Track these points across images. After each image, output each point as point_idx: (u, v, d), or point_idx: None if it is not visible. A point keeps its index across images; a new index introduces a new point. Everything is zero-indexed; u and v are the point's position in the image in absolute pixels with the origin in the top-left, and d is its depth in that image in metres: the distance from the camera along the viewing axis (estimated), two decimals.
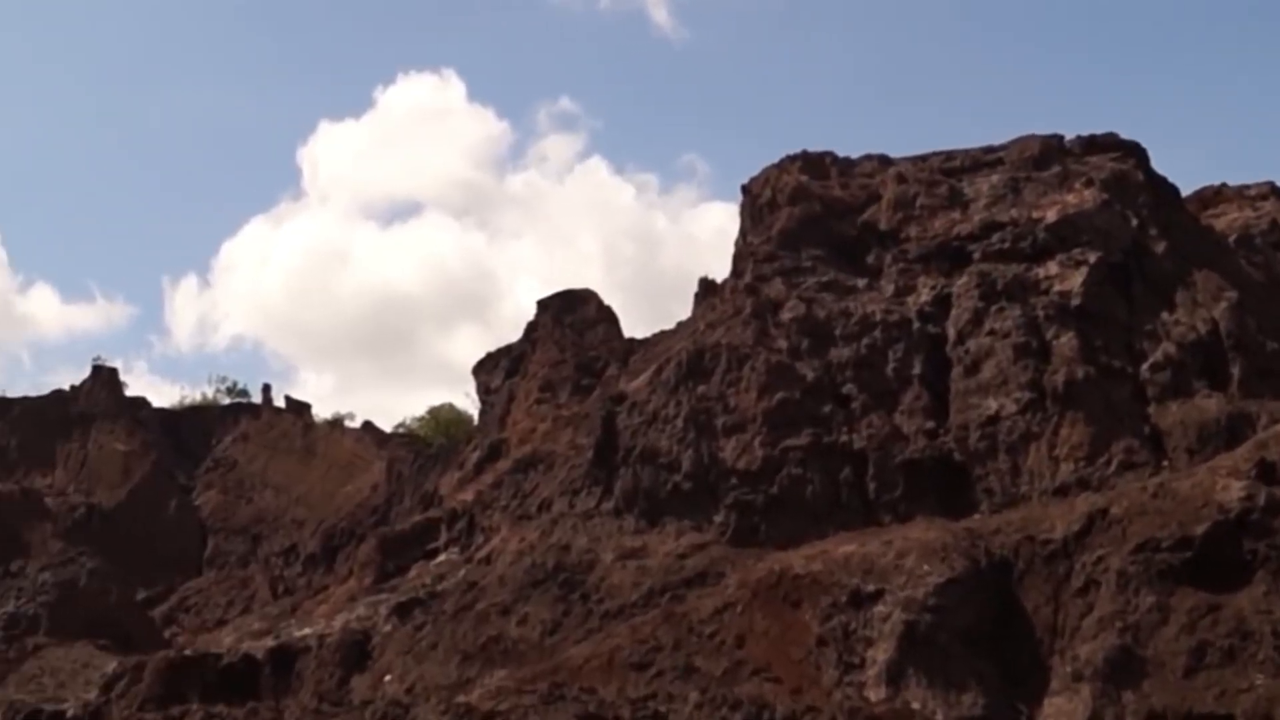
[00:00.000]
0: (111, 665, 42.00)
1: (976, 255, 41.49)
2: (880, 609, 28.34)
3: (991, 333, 38.70)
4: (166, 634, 59.91)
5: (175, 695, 34.14)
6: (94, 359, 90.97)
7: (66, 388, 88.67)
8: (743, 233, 49.03)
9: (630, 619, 32.51)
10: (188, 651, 42.48)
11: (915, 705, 26.03)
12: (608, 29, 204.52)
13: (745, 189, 49.80)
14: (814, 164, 48.70)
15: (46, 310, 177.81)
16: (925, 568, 28.82)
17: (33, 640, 51.63)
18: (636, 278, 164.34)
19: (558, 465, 46.19)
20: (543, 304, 60.75)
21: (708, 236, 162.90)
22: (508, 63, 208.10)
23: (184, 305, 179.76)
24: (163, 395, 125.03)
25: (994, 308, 39.30)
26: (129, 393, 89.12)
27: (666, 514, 38.49)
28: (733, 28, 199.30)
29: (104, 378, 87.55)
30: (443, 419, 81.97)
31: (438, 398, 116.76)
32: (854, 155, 49.68)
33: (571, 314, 59.25)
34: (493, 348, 64.18)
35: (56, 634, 52.03)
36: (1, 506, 68.34)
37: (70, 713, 36.92)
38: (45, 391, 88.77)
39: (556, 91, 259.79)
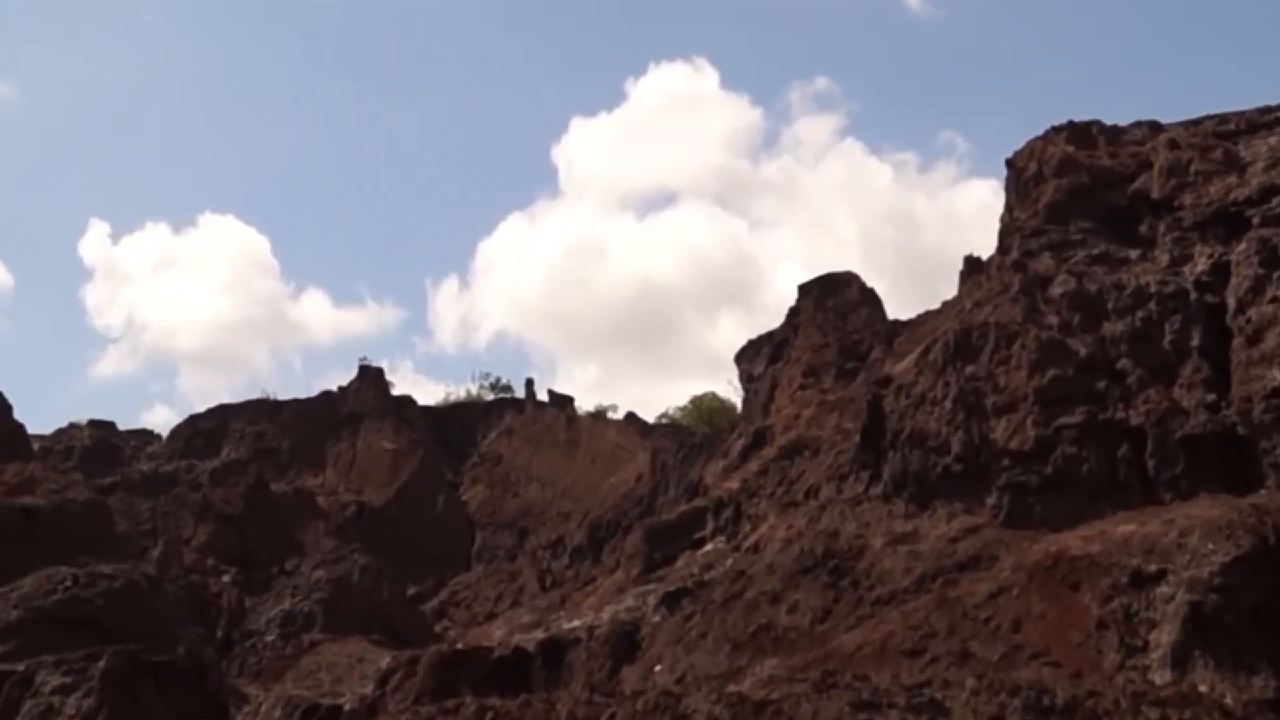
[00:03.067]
0: (385, 660, 43.41)
1: (1255, 220, 40.16)
2: (1163, 590, 27.75)
3: (1274, 300, 37.43)
4: (437, 628, 61.70)
5: (448, 688, 35.21)
6: (360, 360, 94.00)
7: (334, 389, 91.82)
8: (1008, 208, 48.37)
9: (902, 605, 32.43)
10: (460, 645, 43.73)
11: (1203, 689, 25.46)
12: (859, 9, 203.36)
13: (1009, 163, 49.11)
14: (1080, 134, 47.73)
15: (318, 315, 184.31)
16: (1209, 546, 28.11)
17: (308, 637, 53.73)
18: (897, 259, 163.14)
19: (824, 451, 46.28)
20: (804, 288, 60.81)
21: (970, 214, 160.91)
22: (760, 48, 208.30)
23: (446, 306, 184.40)
24: (428, 394, 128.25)
25: (1276, 274, 38.04)
26: (395, 392, 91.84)
27: (937, 497, 38.25)
28: (983, 2, 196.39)
29: (371, 378, 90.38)
30: (705, 408, 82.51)
31: (700, 387, 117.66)
32: (1122, 123, 48.62)
33: (833, 297, 59.19)
34: (754, 335, 64.60)
35: (331, 630, 54.02)
36: (275, 507, 71.20)
37: (347, 707, 38.10)
38: (315, 394, 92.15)
39: (811, 72, 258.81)
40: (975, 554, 34.14)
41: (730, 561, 42.00)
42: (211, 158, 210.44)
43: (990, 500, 36.85)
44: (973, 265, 49.94)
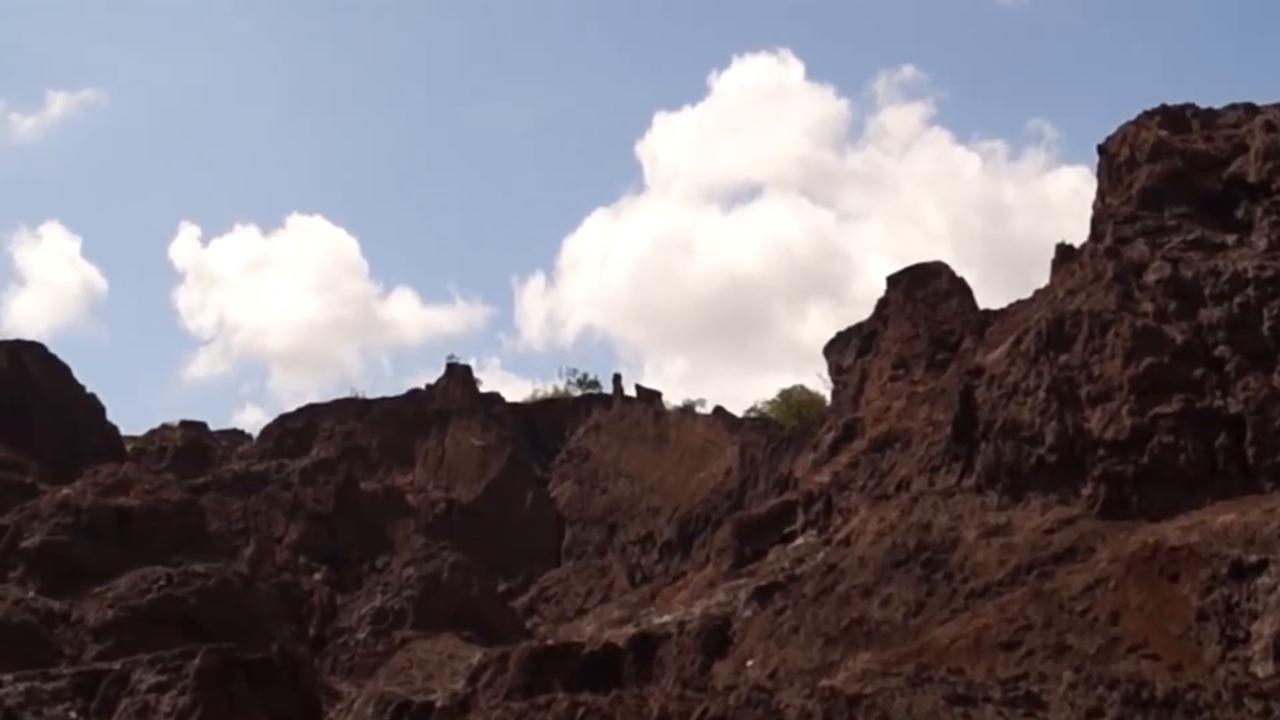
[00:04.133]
0: (476, 656, 43.66)
1: None
2: (1265, 580, 27.39)
3: None
4: (528, 624, 61.98)
5: (540, 684, 35.36)
6: (448, 358, 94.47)
7: (422, 387, 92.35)
8: (1100, 194, 47.88)
9: (997, 597, 32.21)
10: (550, 641, 43.89)
11: None
12: None
13: (1101, 149, 48.60)
14: (1174, 118, 47.16)
15: (408, 314, 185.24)
16: None
17: (400, 634, 54.13)
18: (987, 248, 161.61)
19: (915, 443, 46.03)
20: (892, 279, 60.51)
21: (1060, 201, 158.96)
22: (845, 38, 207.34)
23: (532, 303, 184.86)
24: (515, 390, 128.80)
25: None
26: (482, 389, 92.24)
27: (1031, 489, 37.92)
28: None
29: (458, 375, 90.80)
30: (794, 401, 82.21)
31: (788, 380, 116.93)
32: (1216, 106, 47.97)
33: (923, 288, 58.84)
34: (842, 327, 64.36)
35: (422, 627, 54.39)
36: (365, 505, 71.73)
37: (439, 703, 38.29)
38: (403, 392, 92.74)
39: (898, 61, 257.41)
40: (1071, 545, 33.85)
41: (821, 555, 41.87)
42: (299, 159, 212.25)
43: (1085, 491, 36.49)
44: (1065, 253, 49.46)
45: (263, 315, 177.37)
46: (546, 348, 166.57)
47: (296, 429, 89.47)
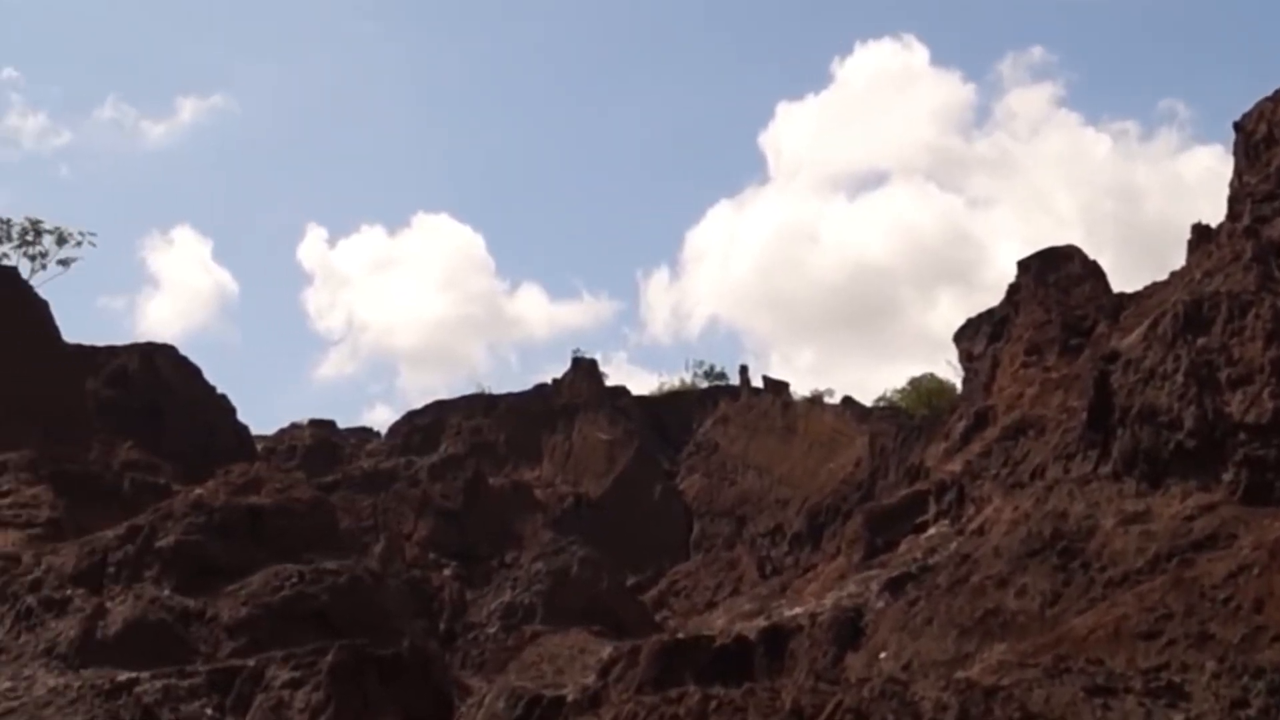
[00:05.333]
0: (607, 650, 43.72)
1: None
2: None
3: None
4: (658, 618, 62.04)
5: (670, 678, 35.32)
6: (573, 352, 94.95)
7: (548, 382, 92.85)
8: (1237, 173, 46.94)
9: (1136, 586, 31.68)
10: (680, 635, 43.87)
11: None
12: None
13: (1238, 126, 47.64)
14: None
15: (535, 310, 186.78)
16: None
17: (529, 628, 54.41)
18: (1119, 231, 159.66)
19: (1049, 430, 45.44)
20: (1023, 264, 59.75)
21: (1195, 182, 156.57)
22: (971, 21, 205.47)
23: (657, 296, 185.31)
24: (642, 384, 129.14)
25: None
26: (608, 383, 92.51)
27: (1170, 475, 37.24)
28: None
29: (584, 369, 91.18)
30: (924, 389, 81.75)
31: (918, 368, 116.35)
32: None
33: (1054, 272, 58.04)
34: (973, 313, 63.71)
35: (551, 622, 54.63)
36: (493, 500, 72.28)
37: (570, 698, 38.40)
38: (529, 388, 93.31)
39: (1025, 43, 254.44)
40: (1212, 532, 33.21)
41: (954, 545, 41.50)
42: (424, 159, 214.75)
43: (1226, 477, 35.78)
44: (1201, 234, 48.53)
45: (390, 314, 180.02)
46: (673, 340, 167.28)
47: (424, 426, 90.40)
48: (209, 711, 34.00)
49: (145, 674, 35.18)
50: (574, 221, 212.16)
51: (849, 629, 38.08)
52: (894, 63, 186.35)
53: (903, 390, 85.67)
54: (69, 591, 40.44)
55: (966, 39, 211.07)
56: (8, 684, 35.95)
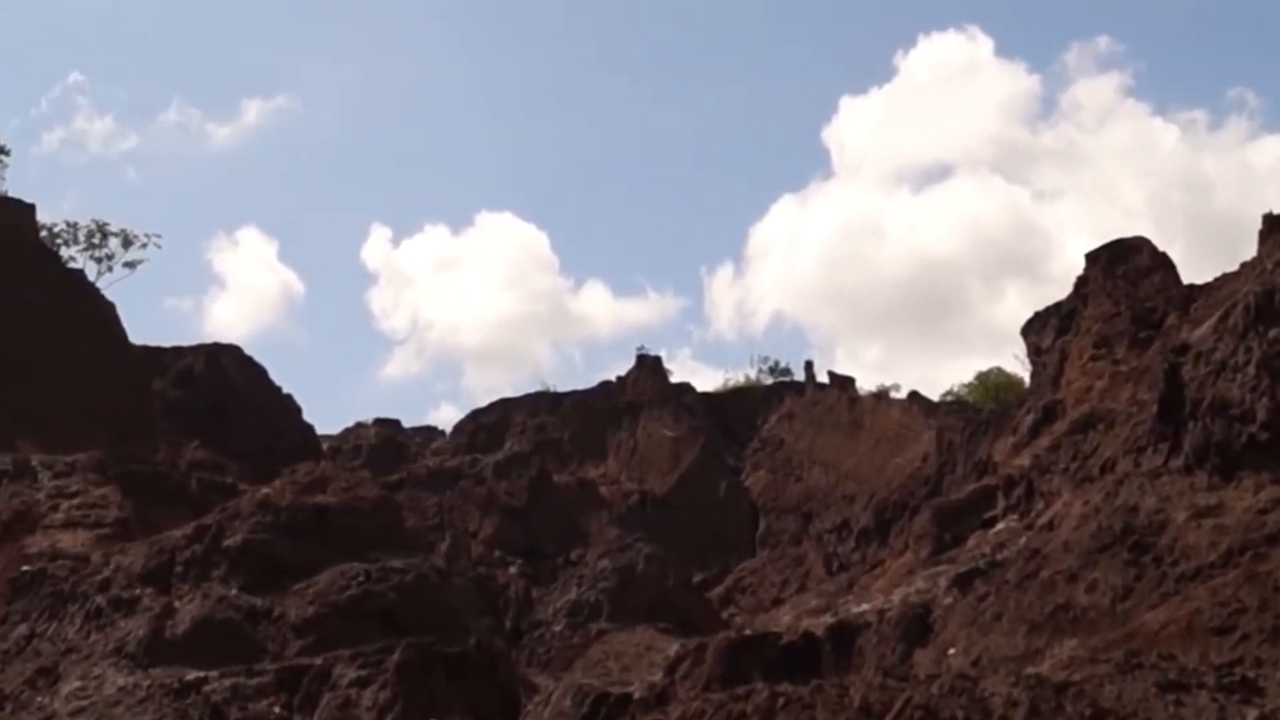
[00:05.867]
0: (673, 647, 43.72)
1: None
2: None
3: None
4: (724, 615, 62.00)
5: (738, 675, 35.25)
6: (637, 349, 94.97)
7: (613, 379, 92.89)
8: None
9: (1208, 581, 31.35)
10: (747, 632, 43.80)
11: None
12: None
13: None
14: None
15: (599, 307, 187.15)
16: None
17: (595, 626, 54.47)
18: (1188, 221, 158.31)
19: (1119, 423, 45.06)
20: (1091, 256, 59.29)
21: (1266, 171, 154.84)
22: (1035, 11, 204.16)
23: (721, 292, 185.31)
24: (706, 380, 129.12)
25: None
26: (673, 380, 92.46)
27: (1242, 468, 36.81)
28: None
29: (649, 366, 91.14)
30: (992, 383, 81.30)
31: (985, 362, 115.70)
32: None
33: (1123, 264, 57.55)
34: (1040, 306, 63.29)
35: (618, 619, 54.66)
36: (558, 498, 72.43)
37: (637, 695, 38.38)
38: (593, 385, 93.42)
39: (1091, 32, 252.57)
40: None
41: (1023, 540, 41.21)
42: (486, 158, 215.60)
43: None
44: (1272, 224, 47.96)
45: (455, 313, 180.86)
46: (737, 337, 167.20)
47: (489, 424, 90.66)
48: (277, 710, 34.20)
49: (213, 673, 35.42)
50: (638, 218, 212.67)
51: (917, 625, 37.90)
52: (958, 55, 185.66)
53: (970, 384, 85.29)
54: (138, 591, 40.77)
55: (1031, 30, 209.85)
56: (78, 683, 36.30)
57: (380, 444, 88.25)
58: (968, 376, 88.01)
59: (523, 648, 54.37)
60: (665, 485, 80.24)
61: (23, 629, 40.29)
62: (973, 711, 22.75)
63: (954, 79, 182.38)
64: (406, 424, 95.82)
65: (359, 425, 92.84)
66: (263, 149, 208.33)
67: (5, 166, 78.97)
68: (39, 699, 36.18)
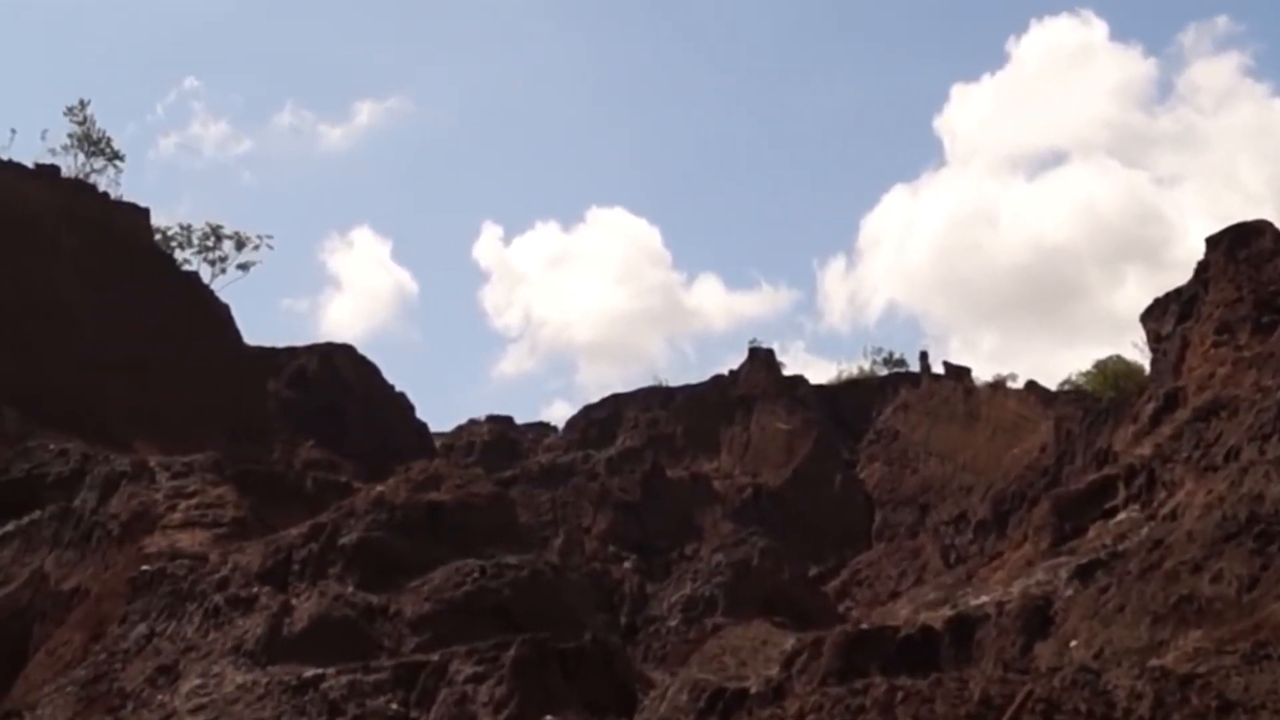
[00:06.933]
0: (789, 642, 43.58)
1: None
2: None
3: None
4: (840, 608, 61.78)
5: (855, 669, 35.06)
6: (750, 342, 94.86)
7: (725, 373, 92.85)
8: None
9: None
10: (865, 625, 43.60)
11: None
12: None
13: None
14: None
15: (712, 301, 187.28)
16: None
17: (710, 621, 54.49)
18: None
19: (1243, 410, 44.35)
20: (1212, 241, 58.33)
21: None
22: None
23: (833, 284, 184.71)
24: (819, 372, 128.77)
25: None
26: (786, 373, 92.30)
27: None
28: None
29: (761, 359, 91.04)
30: (1110, 372, 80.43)
31: (1103, 350, 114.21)
32: None
33: (1245, 248, 56.57)
34: (1160, 293, 62.43)
35: (733, 614, 54.64)
36: (672, 492, 72.50)
37: (753, 690, 38.31)
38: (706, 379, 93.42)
39: (1209, 12, 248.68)
40: None
41: (1145, 530, 40.67)
42: (596, 154, 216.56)
43: None
44: None
45: (567, 310, 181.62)
46: (850, 328, 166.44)
47: (601, 419, 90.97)
48: (394, 706, 34.48)
49: (330, 670, 35.79)
50: (750, 211, 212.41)
51: (1037, 618, 37.50)
52: (1071, 39, 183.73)
53: (1088, 373, 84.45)
54: (255, 589, 41.28)
55: (1146, 12, 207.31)
56: (197, 681, 36.85)
57: (493, 441, 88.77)
58: (1086, 365, 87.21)
59: (638, 643, 54.50)
60: (779, 479, 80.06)
61: (142, 628, 40.96)
62: (1096, 704, 22.50)
63: (1068, 64, 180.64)
64: (519, 421, 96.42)
65: (471, 422, 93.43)
66: (375, 150, 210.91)
67: (120, 171, 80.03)
68: (159, 697, 36.76)
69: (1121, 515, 45.40)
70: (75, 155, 77.30)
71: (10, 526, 47.02)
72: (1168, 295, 60.90)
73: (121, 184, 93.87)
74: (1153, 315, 61.52)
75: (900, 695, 24.27)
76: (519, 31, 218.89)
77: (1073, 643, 34.55)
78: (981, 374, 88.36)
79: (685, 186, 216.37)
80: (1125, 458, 50.05)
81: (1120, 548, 40.12)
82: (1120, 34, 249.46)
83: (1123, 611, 34.40)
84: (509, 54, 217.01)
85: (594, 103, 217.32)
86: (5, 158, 71.64)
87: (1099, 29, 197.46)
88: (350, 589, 41.10)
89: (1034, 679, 24.50)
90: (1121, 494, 47.02)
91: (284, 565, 42.39)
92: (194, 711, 35.40)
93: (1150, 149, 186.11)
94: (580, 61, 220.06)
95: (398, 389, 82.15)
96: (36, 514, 47.08)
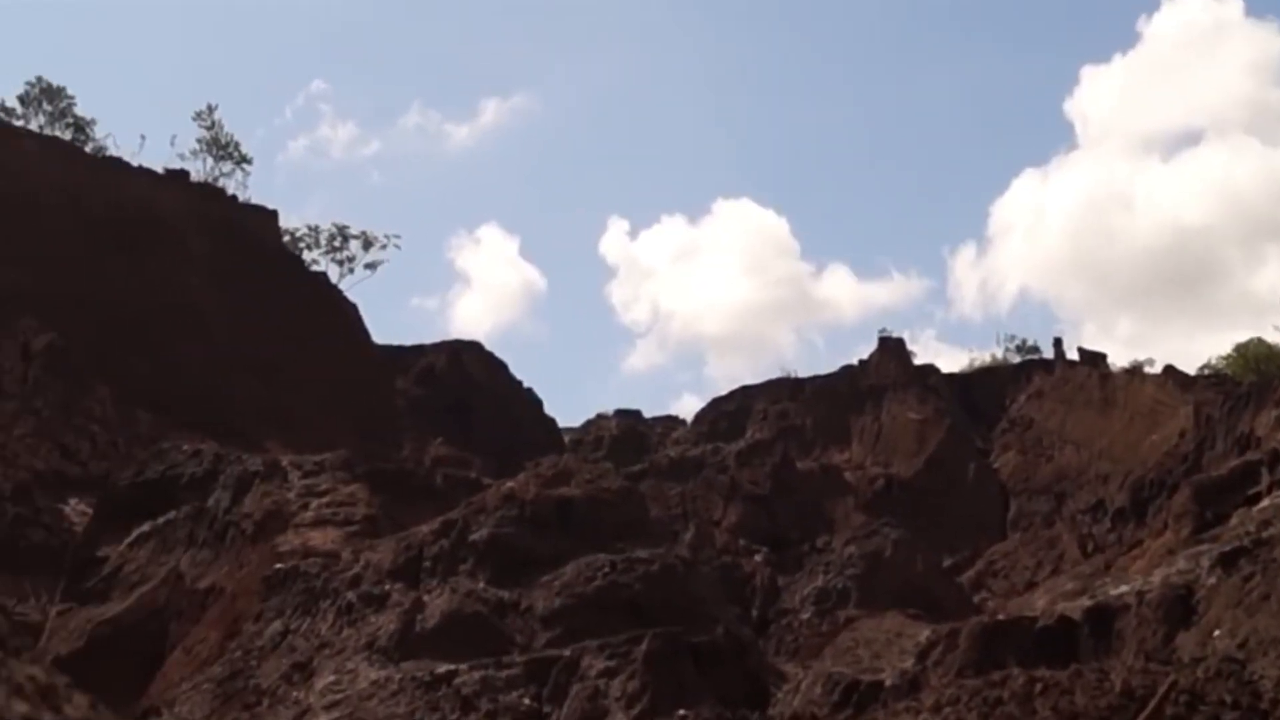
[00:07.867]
0: (924, 633, 43.23)
1: None
2: None
3: None
4: (975, 599, 61.16)
5: (992, 661, 34.69)
6: (879, 332, 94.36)
7: (854, 363, 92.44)
8: None
9: None
10: (1001, 616, 43.14)
11: None
12: None
13: None
14: None
15: (842, 291, 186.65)
16: None
17: (843, 613, 54.16)
18: None
19: None
20: None
21: None
22: None
23: (964, 272, 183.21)
24: (950, 361, 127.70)
25: None
26: (916, 362, 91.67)
27: None
28: None
29: (891, 348, 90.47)
30: (1252, 355, 78.97)
31: (1244, 333, 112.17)
32: None
33: None
34: None
35: (866, 605, 54.29)
36: (802, 484, 72.23)
37: (888, 682, 38.07)
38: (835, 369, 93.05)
39: None
40: None
41: None
42: (721, 145, 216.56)
43: None
44: None
45: (696, 302, 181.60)
46: (982, 316, 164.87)
47: (730, 412, 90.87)
48: (526, 701, 34.62)
49: (463, 665, 36.00)
50: (878, 199, 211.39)
51: (1179, 607, 36.86)
52: (1204, 17, 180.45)
53: (1229, 357, 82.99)
54: (387, 586, 41.64)
55: None
56: (331, 677, 37.24)
57: (621, 435, 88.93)
58: (1226, 348, 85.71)
59: (770, 636, 54.32)
60: (911, 469, 79.44)
61: (277, 625, 41.48)
62: (1241, 695, 22.09)
63: (1201, 42, 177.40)
64: (647, 414, 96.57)
65: (600, 417, 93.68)
66: (501, 147, 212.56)
67: (248, 175, 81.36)
68: (294, 693, 37.20)
69: (1265, 501, 44.52)
70: (204, 159, 78.71)
71: (146, 527, 47.83)
72: None
73: (249, 187, 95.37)
74: None
75: (1039, 687, 23.98)
76: (640, 25, 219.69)
77: (1216, 632, 33.93)
78: (1118, 359, 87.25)
79: (813, 176, 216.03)
80: (1269, 442, 49.15)
81: (1265, 534, 39.32)
82: (1256, 10, 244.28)
83: (1268, 600, 33.74)
84: (631, 48, 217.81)
85: (718, 94, 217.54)
86: (136, 163, 73.04)
87: (1233, 6, 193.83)
88: (481, 585, 41.34)
89: (1177, 670, 24.10)
90: (1265, 480, 46.13)
91: (415, 562, 42.73)
92: (328, 708, 35.79)
93: None
94: (703, 53, 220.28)
95: (526, 385, 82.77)
96: (171, 514, 47.84)
